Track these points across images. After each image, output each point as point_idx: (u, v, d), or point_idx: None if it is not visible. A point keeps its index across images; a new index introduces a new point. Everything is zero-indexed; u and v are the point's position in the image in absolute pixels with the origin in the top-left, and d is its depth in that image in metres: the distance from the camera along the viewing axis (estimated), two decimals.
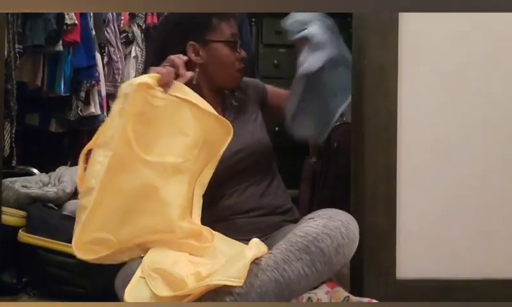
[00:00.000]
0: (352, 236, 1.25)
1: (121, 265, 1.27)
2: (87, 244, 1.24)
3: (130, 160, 1.24)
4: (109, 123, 1.27)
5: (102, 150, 1.25)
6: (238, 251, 1.19)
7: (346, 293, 1.32)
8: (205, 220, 1.33)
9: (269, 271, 1.16)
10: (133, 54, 3.33)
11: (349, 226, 1.25)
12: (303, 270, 1.17)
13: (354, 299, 1.31)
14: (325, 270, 1.20)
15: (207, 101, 1.34)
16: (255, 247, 1.19)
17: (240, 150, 1.45)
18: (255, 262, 1.17)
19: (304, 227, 1.23)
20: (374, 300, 1.30)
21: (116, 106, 1.28)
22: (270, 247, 1.24)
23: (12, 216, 1.76)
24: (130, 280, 1.16)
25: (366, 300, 1.31)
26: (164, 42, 1.51)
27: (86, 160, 1.28)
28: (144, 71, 3.32)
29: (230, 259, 1.18)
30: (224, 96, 1.55)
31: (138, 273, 1.17)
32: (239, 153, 1.44)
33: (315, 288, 1.27)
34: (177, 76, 1.30)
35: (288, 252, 1.18)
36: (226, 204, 1.45)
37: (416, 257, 1.55)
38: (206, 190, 1.36)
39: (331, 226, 1.22)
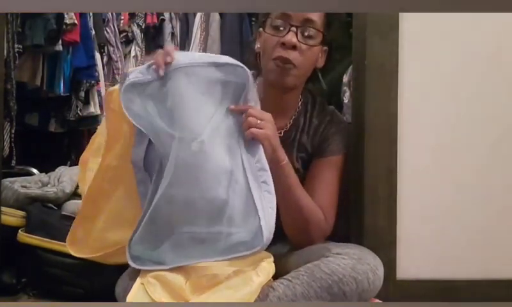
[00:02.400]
0: (377, 284, 1.20)
1: (122, 268, 1.26)
2: (78, 243, 1.32)
3: (113, 167, 1.24)
4: (98, 130, 1.32)
5: (93, 158, 1.28)
6: (244, 274, 1.13)
7: None
8: None
9: (286, 302, 1.13)
10: (133, 53, 3.33)
11: (376, 272, 1.20)
12: None
13: None
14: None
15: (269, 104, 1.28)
16: (263, 273, 1.13)
17: None
18: (272, 286, 1.14)
19: (330, 262, 1.17)
20: (376, 300, 1.30)
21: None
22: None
23: (11, 216, 1.75)
24: (129, 288, 1.14)
25: None
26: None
27: None
28: None
29: (234, 278, 1.12)
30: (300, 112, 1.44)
31: (139, 280, 1.15)
32: None
33: None
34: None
35: (309, 287, 1.14)
36: None
37: (417, 257, 1.55)
38: None
39: (360, 270, 1.16)
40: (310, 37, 1.32)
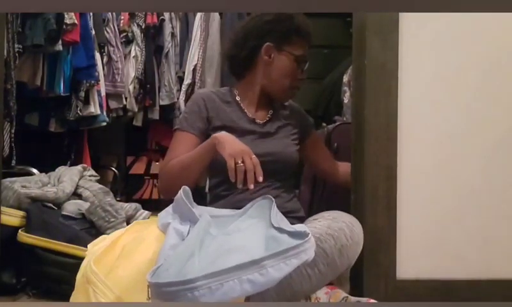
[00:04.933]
0: (356, 239, 1.24)
1: None
2: None
3: None
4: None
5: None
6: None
7: (345, 294, 1.32)
8: None
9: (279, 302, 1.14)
10: (133, 53, 3.33)
11: (353, 228, 1.24)
12: (306, 271, 1.16)
13: (352, 299, 1.31)
14: (328, 271, 1.19)
15: (254, 100, 1.56)
16: None
17: (268, 154, 1.44)
18: None
19: (308, 228, 1.19)
20: (372, 300, 1.30)
21: None
22: None
23: (12, 216, 1.75)
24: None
25: (365, 300, 1.31)
26: (246, 33, 1.57)
27: None
28: (144, 70, 3.34)
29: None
30: (275, 106, 1.61)
31: None
32: (266, 156, 1.42)
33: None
34: None
35: None
36: (238, 198, 1.43)
37: (416, 257, 1.55)
38: (222, 181, 1.37)
39: (335, 227, 1.22)
40: None
